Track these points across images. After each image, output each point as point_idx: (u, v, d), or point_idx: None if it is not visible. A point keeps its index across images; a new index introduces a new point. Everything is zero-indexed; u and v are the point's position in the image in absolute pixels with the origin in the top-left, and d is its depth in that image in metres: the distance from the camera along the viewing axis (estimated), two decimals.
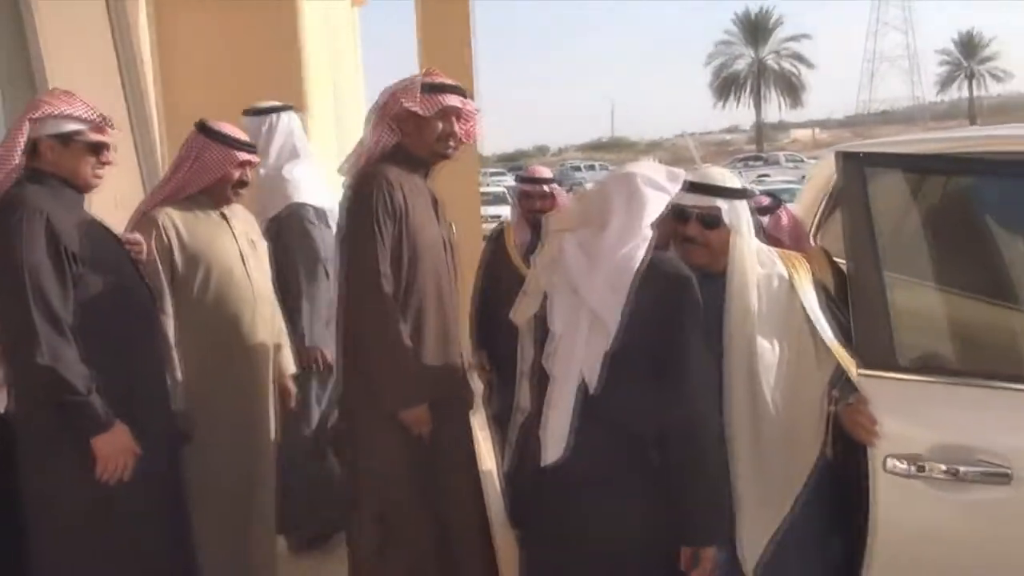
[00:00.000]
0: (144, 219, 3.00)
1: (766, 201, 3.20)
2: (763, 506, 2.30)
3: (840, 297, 2.68)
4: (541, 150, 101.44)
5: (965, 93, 69.98)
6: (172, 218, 3.01)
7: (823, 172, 4.24)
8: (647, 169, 2.38)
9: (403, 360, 2.70)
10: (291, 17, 7.67)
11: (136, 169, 6.76)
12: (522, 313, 2.42)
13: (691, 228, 2.41)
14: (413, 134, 2.96)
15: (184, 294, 2.96)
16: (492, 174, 31.01)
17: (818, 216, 4.04)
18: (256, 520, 3.16)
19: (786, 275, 2.41)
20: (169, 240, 2.96)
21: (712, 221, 2.40)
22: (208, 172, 3.06)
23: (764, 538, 2.27)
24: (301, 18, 7.71)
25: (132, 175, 6.61)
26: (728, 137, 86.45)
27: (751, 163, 41.86)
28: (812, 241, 3.43)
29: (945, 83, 71.48)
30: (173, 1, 7.28)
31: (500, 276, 4.25)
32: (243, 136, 3.18)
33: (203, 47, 7.41)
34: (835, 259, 3.01)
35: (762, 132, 67.00)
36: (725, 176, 2.48)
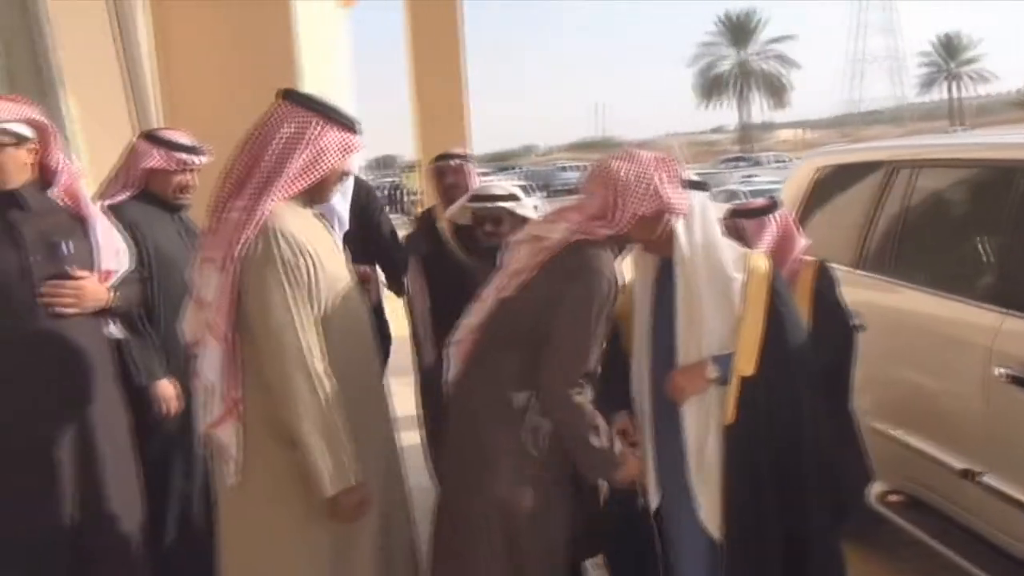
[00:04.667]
0: (249, 223, 2.16)
1: (757, 204, 3.12)
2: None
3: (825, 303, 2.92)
4: (529, 150, 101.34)
5: (947, 94, 70.53)
6: (289, 231, 2.18)
7: (802, 175, 4.52)
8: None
9: None
10: (284, 15, 7.88)
11: None
12: None
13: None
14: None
15: None
16: (481, 174, 31.07)
17: (794, 219, 4.30)
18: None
19: (736, 274, 2.49)
20: (309, 267, 2.20)
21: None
22: (322, 165, 2.25)
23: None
24: (293, 16, 7.93)
25: None
26: (714, 137, 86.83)
27: (737, 163, 42.13)
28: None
29: (927, 84, 72.09)
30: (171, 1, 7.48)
31: (442, 265, 4.02)
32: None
33: (200, 43, 7.62)
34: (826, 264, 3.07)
35: (747, 132, 67.37)
36: None
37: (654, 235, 2.48)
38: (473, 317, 2.55)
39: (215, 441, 2.26)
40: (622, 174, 2.39)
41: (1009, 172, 3.03)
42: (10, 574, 2.48)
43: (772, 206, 3.04)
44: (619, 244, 2.51)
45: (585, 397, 2.36)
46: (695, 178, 2.60)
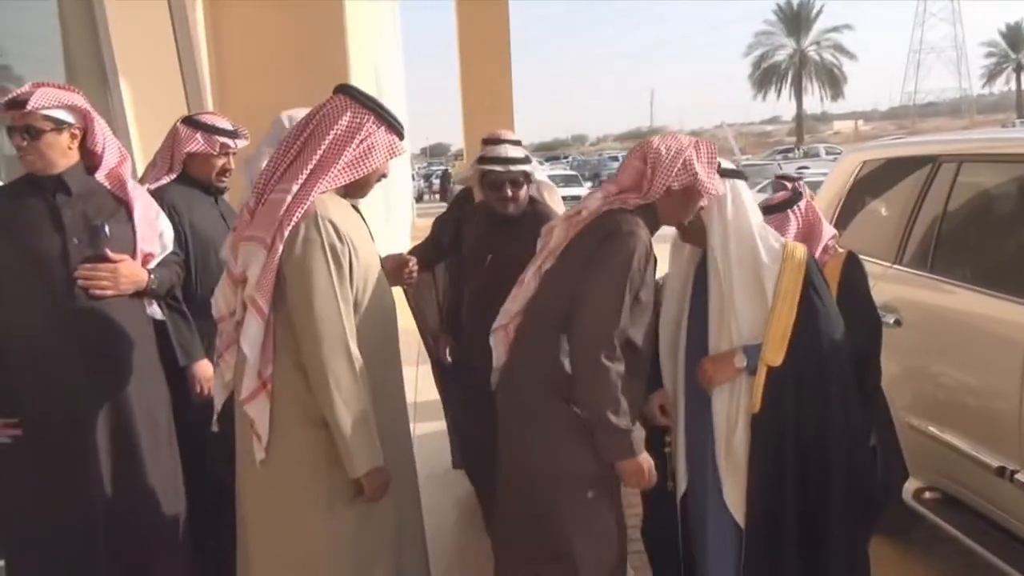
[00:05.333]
0: (298, 207, 2.23)
1: (777, 199, 3.05)
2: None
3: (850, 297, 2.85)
4: (579, 139, 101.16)
5: (1012, 85, 68.62)
6: (332, 219, 2.26)
7: (845, 169, 4.49)
8: None
9: None
10: (337, 10, 7.98)
11: None
12: None
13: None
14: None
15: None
16: None
17: (836, 213, 4.28)
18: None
19: (770, 264, 2.53)
20: (349, 254, 2.29)
21: None
22: (369, 163, 2.34)
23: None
24: (346, 11, 8.03)
25: None
26: (769, 128, 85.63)
27: (789, 155, 41.44)
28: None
29: (992, 75, 70.16)
30: None
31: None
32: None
33: (253, 39, 7.76)
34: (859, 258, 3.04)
35: (803, 123, 66.21)
36: None
37: (685, 216, 2.53)
38: (515, 301, 2.57)
39: (246, 416, 2.31)
40: (661, 148, 2.45)
41: None
42: (48, 549, 2.56)
43: (792, 199, 3.02)
44: (652, 221, 2.51)
45: (615, 365, 2.34)
46: (730, 166, 2.63)
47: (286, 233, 2.21)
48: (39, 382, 2.54)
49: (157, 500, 2.68)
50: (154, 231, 2.79)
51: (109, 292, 2.60)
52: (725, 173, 2.56)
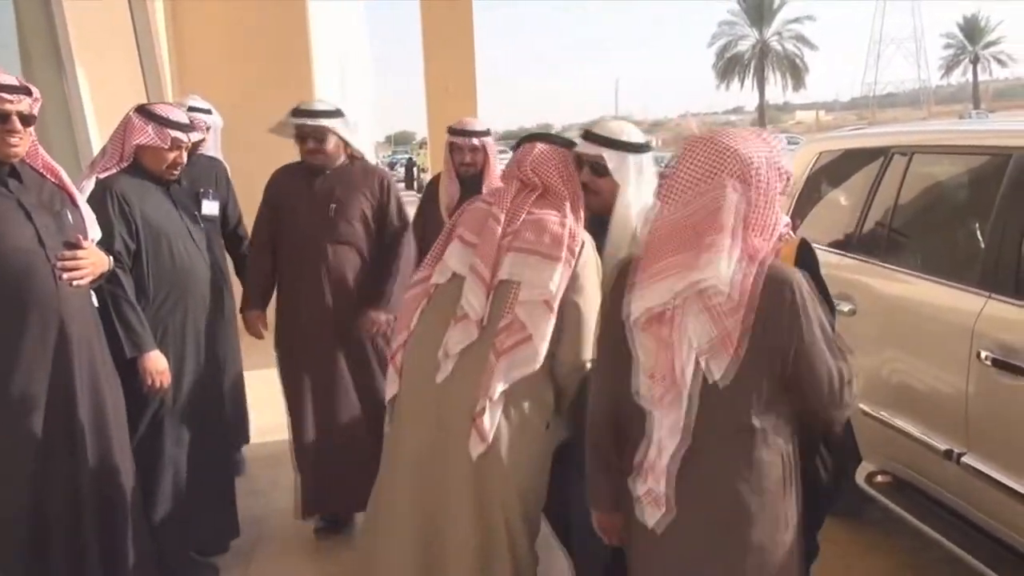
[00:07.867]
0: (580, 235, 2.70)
1: None
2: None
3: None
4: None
5: (969, 76, 69.86)
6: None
7: (802, 160, 4.56)
8: None
9: None
10: (299, 8, 7.92)
11: None
12: None
13: (583, 175, 2.66)
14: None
15: None
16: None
17: (793, 203, 4.35)
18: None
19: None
20: None
21: (599, 169, 2.62)
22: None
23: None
24: (309, 10, 7.97)
25: None
26: (733, 118, 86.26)
27: None
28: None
29: (950, 67, 71.34)
30: None
31: (427, 231, 3.94)
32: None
33: (213, 23, 7.68)
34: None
35: (765, 114, 66.81)
36: (621, 129, 2.63)
37: None
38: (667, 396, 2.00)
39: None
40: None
41: (995, 159, 3.09)
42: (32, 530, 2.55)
43: None
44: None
45: None
46: (626, 139, 2.62)
47: (576, 249, 2.55)
48: (28, 369, 2.51)
49: (126, 480, 2.75)
50: (92, 216, 2.79)
51: (87, 279, 2.61)
52: (621, 145, 2.61)
